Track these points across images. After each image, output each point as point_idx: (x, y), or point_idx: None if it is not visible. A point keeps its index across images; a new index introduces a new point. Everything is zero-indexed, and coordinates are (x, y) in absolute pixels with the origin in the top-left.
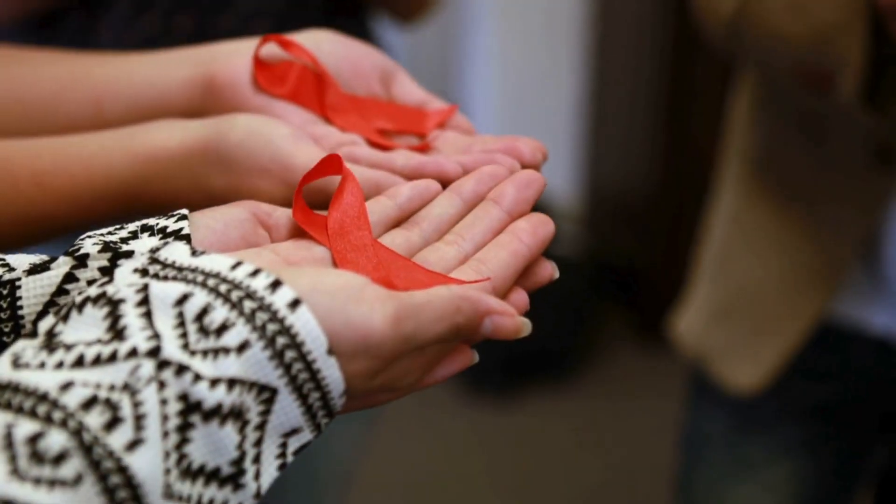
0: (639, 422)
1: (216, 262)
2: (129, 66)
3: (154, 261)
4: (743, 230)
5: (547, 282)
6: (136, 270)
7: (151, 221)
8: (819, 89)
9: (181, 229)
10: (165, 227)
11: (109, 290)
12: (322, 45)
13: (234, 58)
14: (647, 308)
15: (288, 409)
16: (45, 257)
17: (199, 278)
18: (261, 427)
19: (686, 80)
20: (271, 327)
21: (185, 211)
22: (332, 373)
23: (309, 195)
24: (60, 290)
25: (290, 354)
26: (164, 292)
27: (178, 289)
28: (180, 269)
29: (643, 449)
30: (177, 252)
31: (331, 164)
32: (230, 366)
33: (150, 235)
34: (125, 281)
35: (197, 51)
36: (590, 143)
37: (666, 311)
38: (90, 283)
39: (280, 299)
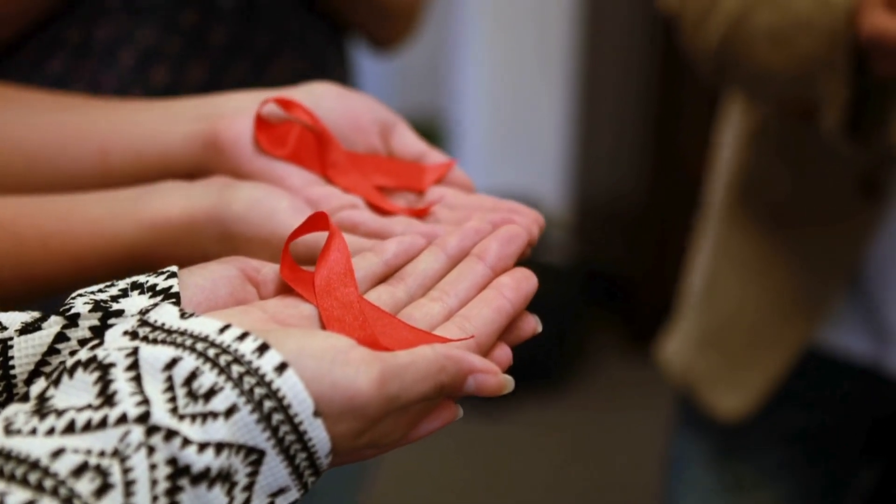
0: (627, 430)
1: (205, 326)
2: (134, 116)
3: (144, 323)
4: (729, 258)
5: (530, 336)
6: (126, 333)
7: (141, 279)
8: (803, 119)
9: (170, 287)
10: (155, 286)
11: (100, 353)
12: (322, 101)
13: (237, 116)
14: (637, 317)
15: (275, 470)
16: (36, 315)
17: (188, 342)
18: (248, 488)
19: (675, 89)
20: (259, 391)
21: (174, 268)
22: (318, 434)
23: (297, 250)
24: (52, 350)
25: (277, 417)
26: (154, 356)
27: (167, 353)
28: (170, 331)
29: (632, 458)
30: (166, 314)
31: (318, 221)
32: (218, 430)
33: (140, 294)
34: (115, 344)
35: (202, 103)
36: (580, 151)
37: (655, 319)
38: (81, 342)
39: (267, 363)
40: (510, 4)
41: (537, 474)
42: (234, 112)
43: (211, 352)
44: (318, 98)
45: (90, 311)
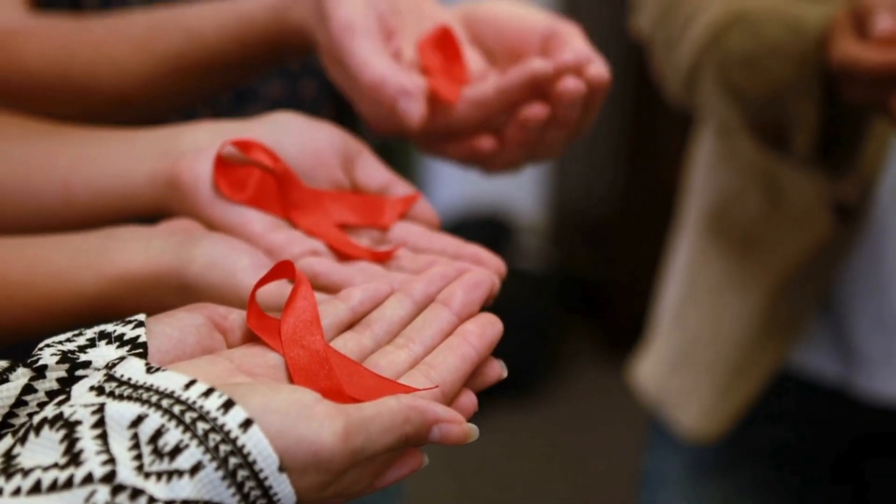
0: (603, 437)
1: (170, 381)
2: (97, 148)
3: (110, 378)
4: (701, 279)
5: (495, 382)
6: (92, 388)
7: (109, 328)
8: (774, 144)
9: (138, 337)
10: (123, 335)
11: (66, 410)
12: (284, 135)
13: (198, 157)
14: (612, 324)
15: None
16: (3, 364)
17: (154, 398)
18: None
19: (650, 97)
20: (224, 448)
21: (142, 317)
22: (283, 489)
23: (265, 296)
24: (19, 402)
25: (242, 473)
26: (120, 414)
27: (133, 410)
28: (136, 387)
29: (607, 465)
30: (132, 368)
31: (284, 269)
32: (184, 487)
33: (107, 343)
34: (82, 400)
35: (164, 138)
36: (556, 158)
37: (630, 327)
38: (49, 393)
39: (232, 420)
40: None
41: (512, 481)
42: (195, 151)
43: (176, 409)
44: (281, 132)
45: (57, 362)
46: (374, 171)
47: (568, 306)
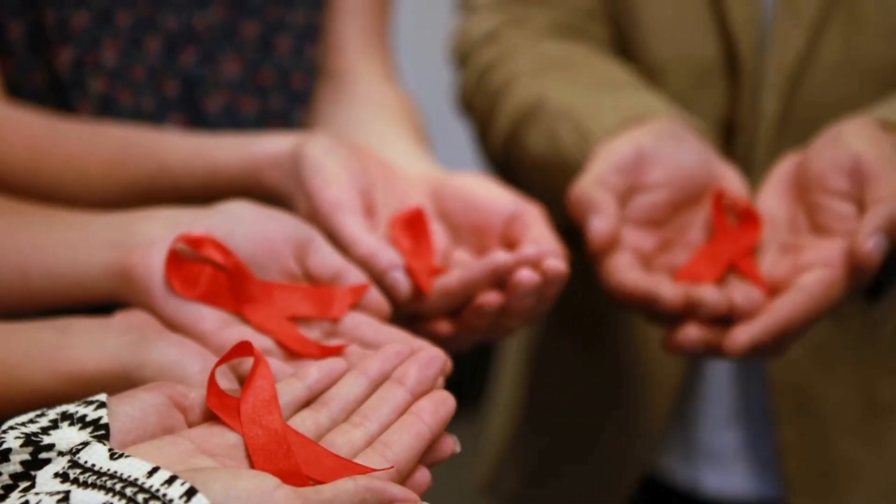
0: None
1: (134, 468)
2: (53, 234)
3: (74, 464)
4: (550, 378)
5: (448, 457)
6: (56, 475)
7: (71, 409)
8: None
9: (100, 418)
10: (85, 416)
11: (31, 499)
12: (236, 228)
13: (151, 251)
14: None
15: None
16: None
17: (118, 486)
18: None
19: None
20: None
21: (103, 397)
22: None
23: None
24: None
25: None
26: (84, 502)
27: (97, 499)
28: (100, 474)
29: None
30: (96, 455)
31: (242, 348)
32: None
33: (69, 425)
34: (46, 487)
35: (118, 226)
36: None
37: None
38: (13, 476)
39: None
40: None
41: (466, 492)
42: (148, 244)
43: (140, 497)
44: (233, 223)
45: (21, 445)
46: (326, 259)
47: None
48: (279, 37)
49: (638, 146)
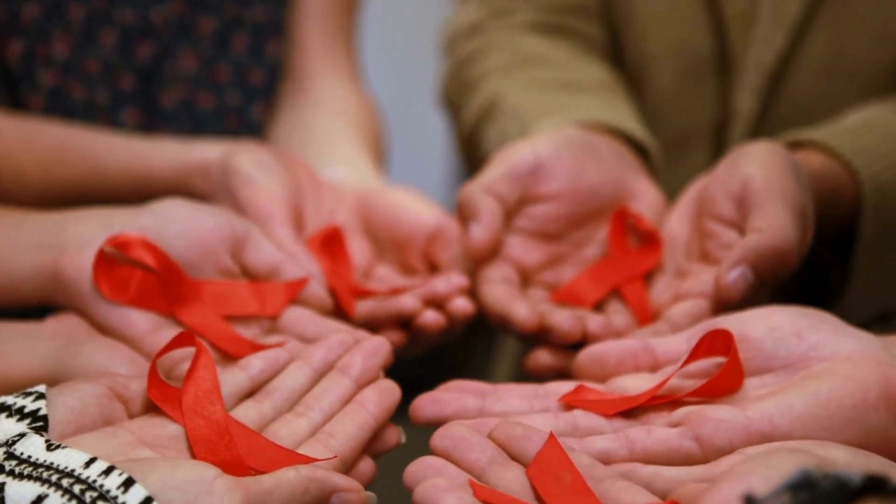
0: None
1: (70, 459)
2: None
3: (10, 456)
4: None
5: (393, 448)
6: None
7: (9, 400)
8: None
9: (38, 410)
10: (23, 408)
11: None
12: (169, 226)
13: (81, 254)
14: None
15: None
16: None
17: (55, 477)
18: None
19: None
20: None
21: (42, 388)
22: None
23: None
24: None
25: None
26: (20, 494)
27: (33, 490)
28: (36, 465)
29: None
30: (32, 446)
31: (184, 339)
32: None
33: (7, 416)
34: None
35: (50, 229)
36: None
37: None
38: None
39: (133, 498)
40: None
41: None
42: (79, 246)
43: (77, 488)
44: (165, 222)
45: None
46: (263, 254)
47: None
48: (236, 33)
49: (536, 154)
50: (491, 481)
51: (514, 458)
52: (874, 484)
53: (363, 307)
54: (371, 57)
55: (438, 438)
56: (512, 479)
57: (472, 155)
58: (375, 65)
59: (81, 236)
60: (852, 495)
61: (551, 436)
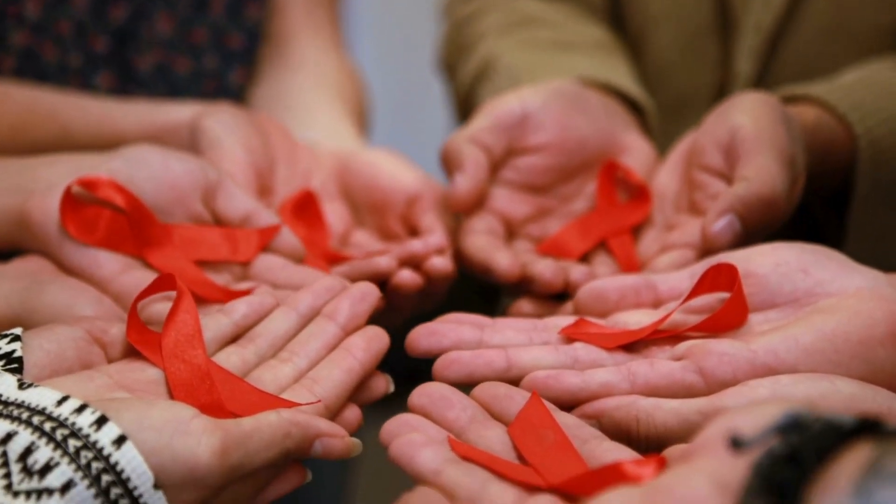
0: None
1: (42, 397)
2: None
3: None
4: None
5: (381, 396)
6: None
7: None
8: None
9: (13, 352)
10: None
11: None
12: (138, 171)
13: (49, 195)
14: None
15: None
16: None
17: (25, 415)
18: None
19: None
20: (96, 465)
21: (18, 331)
22: None
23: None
24: None
25: (115, 491)
26: None
27: (2, 428)
28: (6, 403)
29: None
30: (3, 385)
31: (165, 281)
32: None
33: None
34: None
35: (19, 172)
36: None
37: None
38: None
39: (105, 436)
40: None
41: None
42: (47, 188)
43: (47, 426)
44: (136, 167)
45: None
46: (234, 202)
47: (466, 295)
48: None
49: (523, 105)
50: (471, 439)
51: (496, 417)
52: (867, 426)
53: (338, 270)
54: (370, 41)
55: (416, 396)
56: (493, 437)
57: (465, 116)
58: (375, 48)
59: (51, 178)
60: (844, 437)
61: (534, 394)
